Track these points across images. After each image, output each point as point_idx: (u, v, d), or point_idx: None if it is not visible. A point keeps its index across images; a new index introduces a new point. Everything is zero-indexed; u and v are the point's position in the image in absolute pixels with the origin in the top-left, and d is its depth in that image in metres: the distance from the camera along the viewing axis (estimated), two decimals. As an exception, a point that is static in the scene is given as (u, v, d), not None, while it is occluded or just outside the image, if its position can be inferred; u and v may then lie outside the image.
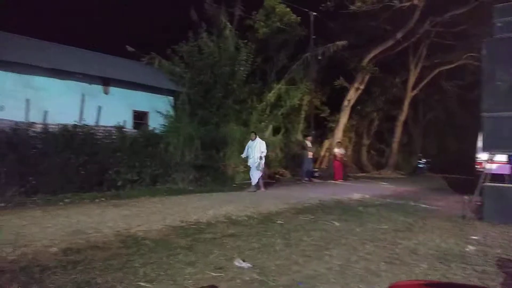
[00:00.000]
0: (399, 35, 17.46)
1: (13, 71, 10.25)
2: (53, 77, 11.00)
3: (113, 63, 14.11)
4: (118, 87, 12.70)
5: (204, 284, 3.16)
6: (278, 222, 6.06)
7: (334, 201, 8.75)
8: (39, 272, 3.31)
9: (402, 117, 21.57)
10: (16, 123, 8.92)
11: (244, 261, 3.75)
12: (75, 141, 9.37)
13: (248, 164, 10.90)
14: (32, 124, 9.30)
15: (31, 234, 4.73)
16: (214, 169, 12.44)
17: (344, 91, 19.01)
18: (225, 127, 13.57)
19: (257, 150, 10.51)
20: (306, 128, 18.15)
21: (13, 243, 4.21)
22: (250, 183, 11.02)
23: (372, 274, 3.56)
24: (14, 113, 9.46)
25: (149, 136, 11.47)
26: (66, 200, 7.96)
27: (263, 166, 10.76)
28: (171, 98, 13.71)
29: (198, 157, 11.83)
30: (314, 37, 17.18)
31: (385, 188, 12.56)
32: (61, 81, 11.23)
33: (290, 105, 16.98)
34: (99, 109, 11.72)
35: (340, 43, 16.88)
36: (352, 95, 18.80)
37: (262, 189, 10.73)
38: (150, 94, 13.53)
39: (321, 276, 3.49)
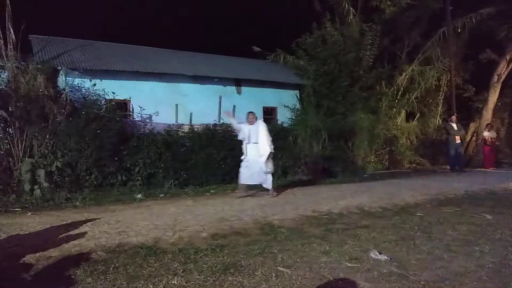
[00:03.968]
0: None
1: (164, 81, 11.96)
2: (195, 83, 12.45)
3: (243, 65, 15.14)
4: (248, 86, 13.59)
5: (341, 274, 3.19)
6: (417, 214, 5.65)
7: (485, 191, 7.70)
8: (194, 253, 3.79)
9: None
10: (169, 125, 10.39)
11: (380, 253, 3.64)
12: (216, 138, 10.40)
13: (246, 157, 7.67)
14: (181, 125, 10.71)
15: (185, 220, 5.44)
16: (343, 159, 12.25)
17: (492, 66, 16.34)
18: (353, 116, 13.20)
19: (262, 137, 7.52)
20: (446, 110, 16.31)
21: (172, 228, 4.92)
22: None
23: (538, 275, 3.05)
24: (166, 117, 11.04)
25: (278, 130, 11.95)
26: (212, 191, 8.90)
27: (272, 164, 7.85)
28: (297, 91, 14.00)
29: (326, 148, 11.82)
30: (451, 8, 15.26)
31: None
32: (202, 86, 12.62)
33: (425, 87, 15.49)
34: (234, 108, 12.75)
35: (486, 10, 14.58)
36: (502, 69, 16.04)
37: (274, 193, 7.80)
38: (277, 90, 14.07)
39: (470, 273, 3.15)
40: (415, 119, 15.66)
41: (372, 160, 13.14)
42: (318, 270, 3.28)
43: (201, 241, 4.29)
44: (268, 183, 7.65)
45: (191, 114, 11.87)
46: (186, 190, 9.05)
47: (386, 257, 3.56)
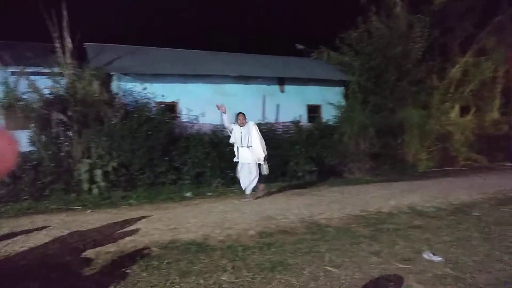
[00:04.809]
0: None
1: (209, 83, 12.25)
2: (239, 83, 12.63)
3: (287, 63, 15.12)
4: (292, 84, 13.56)
5: (392, 274, 3.11)
6: (474, 214, 5.35)
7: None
8: (242, 251, 3.86)
9: None
10: (215, 125, 10.63)
11: (434, 254, 3.50)
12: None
13: (238, 160, 7.33)
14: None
15: (232, 218, 5.55)
16: (392, 157, 11.85)
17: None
18: (401, 111, 12.71)
19: (256, 140, 7.15)
20: (504, 104, 15.21)
21: (220, 226, 5.04)
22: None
23: None
24: (212, 118, 11.28)
25: (323, 128, 11.81)
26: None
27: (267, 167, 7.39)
28: (341, 88, 13.74)
29: (374, 146, 11.50)
30: (509, -7, 14.21)
31: None
32: (245, 85, 12.78)
33: (480, 80, 14.55)
34: (277, 107, 12.76)
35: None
36: None
37: (261, 193, 7.55)
38: (321, 87, 13.91)
39: (536, 278, 2.95)
40: (470, 113, 14.76)
41: (424, 157, 12.57)
42: (367, 271, 3.22)
43: (249, 239, 4.36)
44: (250, 186, 7.28)
45: (235, 114, 12.04)
46: (232, 188, 9.21)
47: (440, 259, 3.41)
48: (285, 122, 11.70)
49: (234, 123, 7.30)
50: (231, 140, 7.30)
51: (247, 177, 7.20)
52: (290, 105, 13.02)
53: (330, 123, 12.40)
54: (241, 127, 7.17)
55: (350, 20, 14.24)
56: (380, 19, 14.03)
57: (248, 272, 3.21)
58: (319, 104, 13.90)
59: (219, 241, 4.28)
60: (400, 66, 13.21)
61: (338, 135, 11.62)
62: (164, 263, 3.49)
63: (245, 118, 7.28)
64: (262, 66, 14.04)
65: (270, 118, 12.07)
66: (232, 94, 12.43)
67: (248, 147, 7.12)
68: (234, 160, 7.35)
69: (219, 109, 7.08)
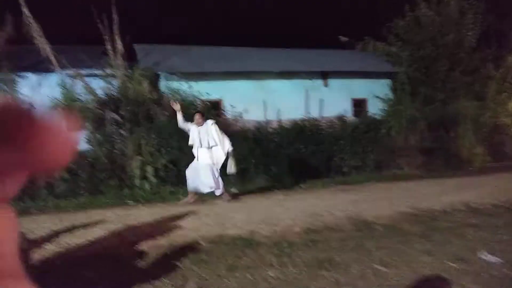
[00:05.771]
0: None
1: (252, 79, 12.34)
2: (282, 79, 12.60)
3: (330, 56, 14.84)
4: (336, 78, 13.30)
5: (445, 275, 2.99)
6: (537, 212, 4.98)
7: None
8: (288, 247, 3.88)
9: None
10: (258, 122, 10.71)
11: (491, 254, 3.31)
12: (303, 133, 10.42)
13: (197, 162, 6.75)
14: (269, 121, 10.97)
15: (277, 214, 5.57)
16: (444, 151, 11.28)
17: None
18: (454, 103, 12.04)
19: (216, 139, 6.63)
20: None
21: (266, 221, 5.08)
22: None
23: None
24: (256, 114, 11.39)
25: (369, 122, 11.49)
26: (302, 186, 8.95)
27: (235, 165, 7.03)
28: (388, 80, 13.27)
29: (424, 140, 11.01)
30: None
31: None
32: (288, 81, 12.73)
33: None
34: (321, 101, 12.59)
35: None
36: None
37: (229, 196, 7.02)
38: (367, 80, 13.52)
39: None
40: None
41: (479, 151, 11.84)
42: (418, 270, 3.11)
43: (294, 235, 4.36)
44: (220, 188, 6.71)
45: (278, 110, 12.04)
46: (276, 184, 9.24)
47: (498, 259, 3.22)
48: (329, 117, 11.52)
49: (190, 123, 6.76)
50: (190, 142, 6.77)
51: (209, 178, 6.56)
52: (334, 99, 12.78)
53: (377, 117, 12.03)
54: (199, 127, 6.66)
55: (396, 9, 13.69)
56: (429, 7, 13.35)
57: (295, 269, 3.23)
58: (365, 97, 13.52)
59: (265, 236, 4.32)
60: (452, 55, 12.52)
61: (385, 129, 11.25)
62: (212, 257, 3.59)
63: (203, 117, 6.74)
64: (305, 60, 13.89)
65: (314, 113, 11.92)
66: (275, 90, 12.44)
67: (208, 147, 6.64)
68: (194, 162, 6.79)
69: (172, 106, 6.73)
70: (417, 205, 5.73)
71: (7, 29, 9.47)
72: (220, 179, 6.69)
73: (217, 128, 6.71)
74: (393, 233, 4.28)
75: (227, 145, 6.72)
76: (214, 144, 6.62)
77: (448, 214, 5.17)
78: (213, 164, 6.62)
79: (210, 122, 6.74)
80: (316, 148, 10.15)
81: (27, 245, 2.67)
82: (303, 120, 10.85)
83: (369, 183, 8.87)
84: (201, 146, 6.65)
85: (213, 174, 6.58)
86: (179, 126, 6.89)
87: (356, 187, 8.31)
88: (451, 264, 3.21)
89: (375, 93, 12.90)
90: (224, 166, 6.87)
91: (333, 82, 13.36)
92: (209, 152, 6.65)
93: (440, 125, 11.51)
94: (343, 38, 15.46)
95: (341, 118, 11.31)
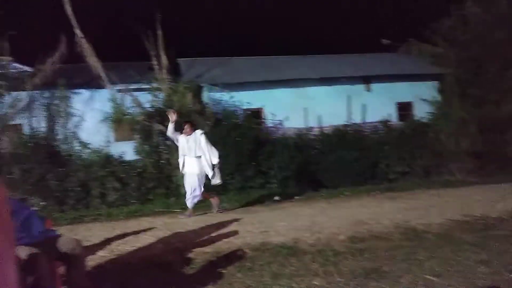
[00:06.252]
0: None
1: (292, 87, 12.38)
2: (322, 85, 12.52)
3: (372, 60, 14.55)
4: (379, 82, 13.00)
5: (503, 287, 2.80)
6: None
7: None
8: (333, 256, 3.81)
9: None
10: (299, 129, 10.68)
11: (557, 266, 3.06)
12: (346, 139, 10.24)
13: (185, 172, 6.67)
14: (310, 128, 10.90)
15: (321, 222, 5.48)
16: (499, 155, 10.58)
17: None
18: (508, 104, 11.29)
19: (204, 149, 6.55)
20: None
21: (309, 229, 5.02)
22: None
23: None
24: (296, 121, 11.38)
25: (415, 126, 11.07)
26: (346, 193, 8.75)
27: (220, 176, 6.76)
28: (435, 82, 12.75)
29: (476, 143, 10.41)
30: None
31: None
32: (328, 87, 12.62)
33: None
34: (364, 107, 12.33)
35: None
36: None
37: (190, 214, 6.59)
38: (412, 83, 13.11)
39: None
40: None
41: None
42: (473, 281, 2.95)
43: (339, 243, 4.28)
44: (192, 201, 6.62)
45: (319, 116, 11.95)
46: (319, 192, 9.13)
47: None
48: (372, 122, 11.24)
49: (179, 132, 6.70)
50: (180, 153, 6.72)
51: (192, 187, 6.56)
52: (378, 104, 12.47)
53: (424, 120, 11.56)
54: (187, 136, 6.60)
55: (440, 8, 13.15)
56: (477, 4, 12.69)
57: (341, 278, 3.17)
58: (410, 101, 13.08)
59: (309, 245, 4.28)
60: (504, 53, 11.77)
61: (433, 133, 10.78)
62: (257, 265, 3.61)
63: (191, 127, 6.68)
64: (345, 65, 13.71)
65: (356, 119, 11.70)
66: (315, 97, 12.38)
67: (195, 157, 6.54)
68: (180, 172, 6.77)
69: (168, 116, 6.71)
70: (471, 213, 5.41)
71: (62, 49, 10.22)
72: (198, 193, 6.59)
73: (206, 139, 6.66)
74: (445, 242, 4.08)
75: (215, 156, 6.62)
76: (201, 154, 6.55)
77: (504, 221, 4.84)
78: (199, 174, 6.54)
79: (199, 132, 6.72)
80: (360, 154, 9.92)
81: (83, 252, 2.84)
82: (344, 126, 10.67)
83: (417, 190, 8.50)
84: (188, 156, 6.60)
85: (198, 184, 6.54)
86: (167, 135, 6.91)
87: (404, 194, 7.99)
88: (510, 275, 3.00)
89: (421, 95, 12.43)
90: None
91: (376, 87, 13.07)
92: (196, 161, 6.57)
93: (494, 127, 10.84)
94: (386, 41, 15.07)
95: (385, 123, 11.00)
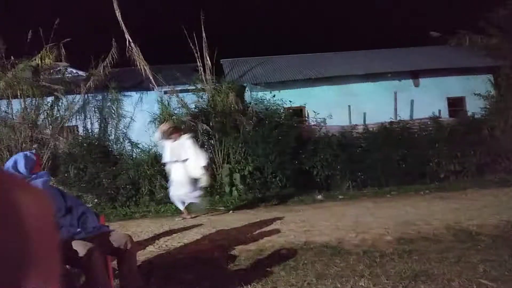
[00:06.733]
0: None
1: (335, 84, 12.16)
2: (367, 81, 12.19)
3: (420, 54, 13.96)
4: (427, 77, 12.45)
5: None
6: None
7: None
8: (379, 257, 3.70)
9: None
10: (343, 127, 10.47)
11: None
12: (392, 137, 9.90)
13: (172, 179, 6.70)
14: (354, 126, 10.65)
15: (366, 222, 5.36)
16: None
17: None
18: None
19: (190, 153, 6.50)
20: None
21: (354, 229, 4.92)
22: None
23: None
24: (340, 119, 11.16)
25: (468, 123, 10.47)
26: (393, 193, 8.50)
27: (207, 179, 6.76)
28: (489, 76, 11.97)
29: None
30: None
31: None
32: (374, 83, 12.26)
33: None
34: (412, 102, 11.85)
35: None
36: None
37: (186, 216, 6.67)
38: (464, 76, 12.41)
39: None
40: None
41: None
42: (535, 288, 2.75)
43: (386, 244, 4.17)
44: (187, 202, 6.67)
45: (364, 113, 11.65)
46: (364, 191, 8.92)
47: None
48: (421, 119, 10.76)
49: (164, 140, 6.73)
50: (164, 159, 6.83)
51: (179, 192, 6.60)
52: (427, 99, 11.94)
53: (477, 116, 10.90)
54: (174, 142, 6.60)
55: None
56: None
57: (388, 280, 3.09)
58: (462, 95, 12.38)
59: (354, 245, 4.20)
60: None
61: (488, 130, 10.14)
62: (301, 264, 3.61)
63: (178, 132, 6.69)
64: (391, 60, 13.25)
65: (404, 116, 11.25)
66: (359, 93, 12.08)
67: (182, 161, 6.53)
68: (171, 180, 6.76)
69: (162, 126, 6.87)
70: (531, 214, 5.05)
71: (112, 54, 10.79)
72: (193, 194, 6.63)
73: (193, 143, 6.70)
74: (502, 244, 3.84)
75: (203, 159, 6.58)
76: (187, 157, 6.52)
77: None
78: (187, 177, 6.55)
79: (185, 136, 6.71)
80: (408, 153, 9.55)
81: (135, 247, 2.99)
82: (391, 123, 10.31)
83: (470, 189, 8.07)
84: (174, 161, 6.61)
85: (189, 187, 6.57)
86: (155, 141, 7.11)
87: (456, 193, 7.61)
88: None
89: (474, 90, 11.72)
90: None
91: (425, 81, 12.52)
92: (182, 165, 6.56)
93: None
94: (435, 34, 14.36)
95: (435, 119, 10.49)
